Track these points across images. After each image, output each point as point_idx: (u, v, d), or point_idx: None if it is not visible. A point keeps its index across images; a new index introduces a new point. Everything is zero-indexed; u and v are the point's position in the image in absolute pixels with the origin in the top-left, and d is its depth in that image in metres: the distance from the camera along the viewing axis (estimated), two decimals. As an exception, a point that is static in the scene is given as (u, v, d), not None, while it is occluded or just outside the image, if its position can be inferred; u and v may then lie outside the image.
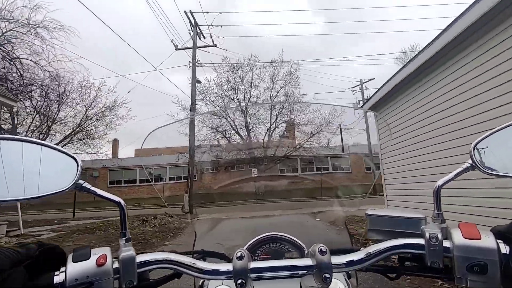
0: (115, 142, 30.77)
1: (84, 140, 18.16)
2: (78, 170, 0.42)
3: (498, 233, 0.40)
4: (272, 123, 17.00)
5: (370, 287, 1.81)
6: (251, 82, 16.08)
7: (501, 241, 0.39)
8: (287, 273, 0.41)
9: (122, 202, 0.44)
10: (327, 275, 0.38)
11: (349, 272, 0.49)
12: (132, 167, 20.48)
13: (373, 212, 0.50)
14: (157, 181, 21.23)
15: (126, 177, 21.31)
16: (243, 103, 16.38)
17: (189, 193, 10.58)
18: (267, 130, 16.43)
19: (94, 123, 18.32)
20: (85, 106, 17.44)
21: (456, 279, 0.40)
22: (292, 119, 16.83)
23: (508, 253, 0.38)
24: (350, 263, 0.41)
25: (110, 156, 25.95)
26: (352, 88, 22.14)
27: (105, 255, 0.38)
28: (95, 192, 0.44)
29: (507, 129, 0.46)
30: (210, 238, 0.85)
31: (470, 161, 0.47)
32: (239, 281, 0.39)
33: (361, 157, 21.46)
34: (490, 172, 0.46)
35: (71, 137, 17.36)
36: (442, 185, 0.46)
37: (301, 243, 0.67)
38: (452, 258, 0.40)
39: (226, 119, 15.75)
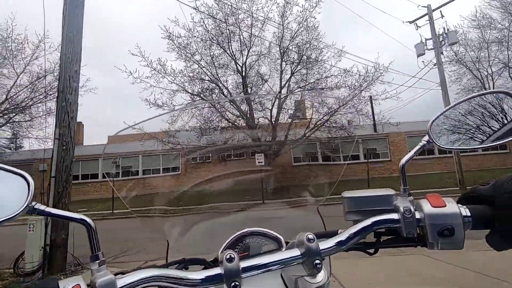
0: (78, 126, 29.03)
1: (18, 120, 16.39)
2: (30, 191, 0.44)
3: (460, 199, 0.58)
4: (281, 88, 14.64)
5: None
6: (251, 26, 13.50)
7: (461, 206, 0.52)
8: (278, 267, 0.48)
9: (89, 220, 0.47)
10: (317, 261, 0.47)
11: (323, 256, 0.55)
12: (92, 157, 18.72)
13: (348, 194, 0.61)
14: (126, 175, 19.41)
15: (85, 171, 19.57)
16: (240, 61, 14.00)
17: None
18: (275, 98, 14.19)
19: (33, 96, 16.43)
20: (14, 68, 15.45)
21: (429, 244, 0.52)
22: (309, 84, 14.54)
23: (468, 215, 0.51)
24: (338, 245, 0.51)
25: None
26: (414, 21, 14.83)
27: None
28: (52, 213, 0.45)
29: (460, 105, 0.61)
30: (183, 244, 0.90)
31: (426, 138, 0.59)
32: (233, 284, 0.44)
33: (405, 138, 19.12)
34: (444, 146, 0.60)
35: None
36: (406, 162, 0.58)
37: (277, 234, 0.77)
38: (424, 226, 0.52)
39: (217, 84, 13.45)
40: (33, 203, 0.44)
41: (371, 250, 0.59)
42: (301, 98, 15.05)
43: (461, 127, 0.61)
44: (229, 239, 0.76)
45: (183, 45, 13.75)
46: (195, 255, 0.69)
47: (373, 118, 16.80)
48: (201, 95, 13.77)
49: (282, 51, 14.18)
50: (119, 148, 19.25)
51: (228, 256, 0.45)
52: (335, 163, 18.62)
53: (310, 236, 0.49)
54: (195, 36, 13.50)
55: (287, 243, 0.75)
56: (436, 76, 12.31)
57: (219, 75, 14.10)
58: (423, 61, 12.81)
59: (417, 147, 0.59)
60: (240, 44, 13.82)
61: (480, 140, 0.60)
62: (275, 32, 14.14)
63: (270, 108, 14.66)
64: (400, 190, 0.58)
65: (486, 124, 0.59)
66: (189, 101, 13.75)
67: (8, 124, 17.01)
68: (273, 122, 14.55)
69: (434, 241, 0.51)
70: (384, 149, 19.96)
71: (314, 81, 14.47)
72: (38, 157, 19.33)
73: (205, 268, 0.56)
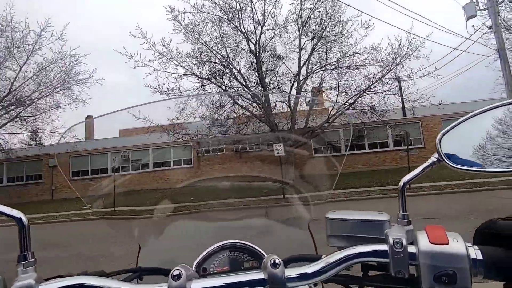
0: (88, 119, 29.01)
1: (23, 117, 16.14)
2: None
3: (474, 237, 0.46)
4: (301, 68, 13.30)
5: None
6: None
7: (471, 246, 0.42)
8: None
9: (23, 217, 0.45)
10: None
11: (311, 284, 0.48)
12: (101, 150, 18.33)
13: (333, 215, 0.54)
14: (135, 168, 18.89)
15: (95, 166, 19.27)
16: (252, 39, 12.75)
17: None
18: (294, 80, 12.89)
19: (38, 89, 16.11)
20: (16, 60, 15.04)
21: None
22: (332, 63, 13.13)
23: (479, 258, 0.40)
24: (304, 276, 0.43)
25: (83, 139, 24.29)
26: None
27: None
28: None
29: (473, 119, 0.52)
30: (159, 249, 0.85)
31: (436, 155, 0.52)
32: None
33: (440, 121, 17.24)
34: (457, 166, 0.51)
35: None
36: (407, 182, 0.50)
37: (261, 250, 0.70)
38: (417, 266, 0.42)
39: (227, 66, 12.30)
40: None
41: (355, 286, 0.51)
42: (322, 80, 13.75)
43: (478, 144, 0.52)
44: (207, 250, 0.70)
45: (190, 26, 12.74)
46: (167, 264, 0.65)
47: (402, 100, 15.15)
48: (212, 80, 12.72)
49: (301, 24, 12.80)
50: (131, 141, 18.78)
51: (176, 273, 0.41)
52: (350, 153, 17.42)
53: (277, 261, 0.43)
54: (203, 12, 12.36)
55: None
56: (482, 49, 10.48)
57: (230, 57, 12.96)
58: (473, 26, 11.00)
59: (425, 164, 0.51)
60: (253, 19, 12.57)
61: (502, 161, 0.50)
62: (292, 3, 12.73)
63: (288, 91, 13.42)
64: (397, 216, 0.50)
65: (509, 141, 0.50)
66: (198, 86, 12.76)
67: (14, 119, 16.78)
68: (292, 108, 13.36)
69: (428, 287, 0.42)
70: (417, 135, 18.25)
71: (338, 60, 13.01)
72: (46, 153, 19.25)
73: (158, 282, 0.54)
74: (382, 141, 18.29)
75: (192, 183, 1.31)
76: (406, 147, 17.80)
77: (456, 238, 0.42)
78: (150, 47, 11.92)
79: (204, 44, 12.70)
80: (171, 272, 0.41)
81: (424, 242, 0.42)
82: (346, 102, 13.32)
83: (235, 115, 13.23)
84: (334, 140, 18.13)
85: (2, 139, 17.23)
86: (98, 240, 6.19)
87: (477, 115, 0.52)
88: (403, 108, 17.86)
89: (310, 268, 0.44)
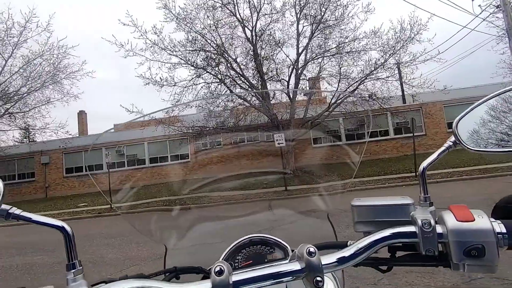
0: (81, 115, 28.28)
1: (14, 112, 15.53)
2: (0, 194, 0.43)
3: (493, 212, 0.49)
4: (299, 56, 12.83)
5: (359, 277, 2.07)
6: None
7: (494, 220, 0.45)
8: (274, 281, 0.44)
9: (67, 226, 0.47)
10: (318, 278, 0.42)
11: None
12: (95, 146, 17.83)
13: (359, 202, 0.56)
14: (131, 164, 18.45)
15: (89, 162, 18.76)
16: (248, 25, 12.21)
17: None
18: (292, 68, 12.44)
19: (26, 84, 15.47)
20: (0, 54, 14.34)
21: (453, 265, 0.45)
22: (331, 50, 12.68)
23: (503, 231, 0.44)
24: (341, 261, 0.46)
25: (77, 134, 23.69)
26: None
27: None
28: (29, 218, 0.45)
29: (489, 101, 0.54)
30: (184, 247, 0.87)
31: (452, 139, 0.54)
32: None
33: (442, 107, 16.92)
34: (474, 148, 0.54)
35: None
36: (427, 166, 0.53)
37: (284, 243, 0.73)
38: (447, 243, 0.46)
39: (222, 55, 11.79)
40: (5, 207, 0.43)
41: (384, 267, 0.54)
42: (321, 67, 13.30)
43: (494, 126, 0.55)
44: (230, 246, 0.72)
45: (182, 15, 12.14)
46: (194, 262, 0.67)
47: (401, 86, 14.77)
48: (207, 69, 12.20)
49: (299, 9, 12.25)
50: (125, 135, 18.27)
51: (217, 269, 0.42)
52: (358, 141, 17.19)
53: (312, 249, 0.45)
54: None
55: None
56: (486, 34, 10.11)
57: (226, 45, 12.42)
58: (479, 5, 10.55)
59: (442, 148, 0.54)
60: (249, 4, 11.98)
61: None
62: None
63: (286, 80, 12.97)
64: (419, 199, 0.54)
65: None
66: (193, 77, 12.24)
67: (3, 117, 16.15)
68: (291, 96, 12.93)
69: (459, 262, 0.45)
70: (417, 122, 17.94)
71: (337, 45, 12.53)
72: (37, 150, 18.67)
73: (204, 278, 0.56)
74: (382, 129, 17.98)
75: (207, 182, 1.30)
76: (407, 135, 17.62)
77: (480, 215, 0.45)
78: (141, 35, 11.36)
79: (198, 32, 12.14)
80: (213, 268, 0.42)
81: (451, 221, 0.45)
82: (347, 89, 12.92)
83: (232, 105, 12.82)
84: (334, 129, 17.82)
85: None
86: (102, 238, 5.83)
87: (490, 98, 0.54)
88: (403, 95, 17.51)
89: (343, 253, 0.46)
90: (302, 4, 11.96)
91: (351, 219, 0.57)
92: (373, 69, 11.98)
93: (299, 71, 12.67)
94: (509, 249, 0.45)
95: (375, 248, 0.47)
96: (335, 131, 18.00)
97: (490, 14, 10.08)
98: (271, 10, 12.05)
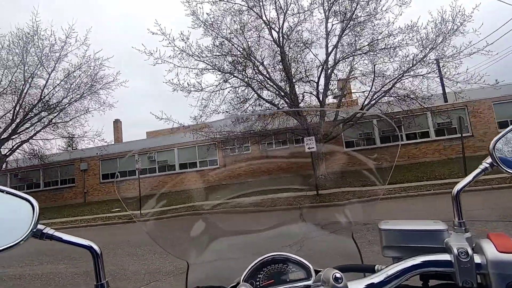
0: (116, 123, 29.83)
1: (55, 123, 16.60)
2: (35, 215, 0.44)
3: None
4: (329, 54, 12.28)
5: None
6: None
7: None
8: None
9: (95, 246, 0.48)
10: None
11: None
12: (127, 153, 18.50)
13: (387, 226, 0.53)
14: (162, 170, 18.89)
15: (123, 168, 19.52)
16: (275, 27, 11.93)
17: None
18: (322, 68, 11.94)
19: (67, 95, 16.49)
20: (45, 68, 15.41)
21: None
22: (363, 48, 11.97)
23: None
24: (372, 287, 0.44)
25: (112, 142, 24.97)
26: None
27: None
28: (61, 238, 0.47)
29: None
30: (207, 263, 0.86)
31: (489, 160, 0.52)
32: None
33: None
34: None
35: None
36: (461, 189, 0.50)
37: (306, 262, 0.70)
38: (486, 275, 0.42)
39: (249, 59, 11.63)
40: (40, 227, 0.44)
41: None
42: (352, 67, 12.62)
43: None
44: (252, 264, 0.69)
45: (210, 21, 12.21)
46: (216, 279, 0.67)
47: (441, 83, 13.54)
48: (234, 73, 12.09)
49: (327, 7, 11.74)
50: (157, 142, 18.80)
51: None
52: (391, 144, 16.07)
53: (338, 275, 0.42)
54: (221, 0, 11.74)
55: (317, 271, 0.64)
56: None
57: (252, 48, 12.26)
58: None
59: (477, 170, 0.51)
60: (275, 5, 11.73)
61: None
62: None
63: (316, 81, 12.46)
64: (453, 224, 0.50)
65: None
66: (220, 81, 12.20)
67: (46, 126, 17.33)
68: (321, 99, 12.40)
69: None
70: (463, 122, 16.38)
71: (370, 43, 11.81)
72: (77, 157, 19.78)
73: None
74: (423, 131, 16.67)
75: (233, 191, 1.28)
76: (450, 136, 16.15)
77: None
78: (170, 43, 11.55)
79: (224, 37, 12.12)
80: None
81: (491, 251, 0.42)
82: (381, 89, 12.11)
83: (260, 110, 12.57)
84: (368, 132, 16.85)
85: (37, 145, 17.90)
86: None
87: None
88: (444, 92, 16.10)
89: (373, 279, 0.43)
90: (331, 1, 11.47)
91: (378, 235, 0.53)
92: (411, 65, 11.08)
93: (329, 72, 12.11)
94: None
95: (406, 276, 0.45)
96: (369, 133, 17.05)
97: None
98: (298, 9, 11.68)
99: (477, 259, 0.43)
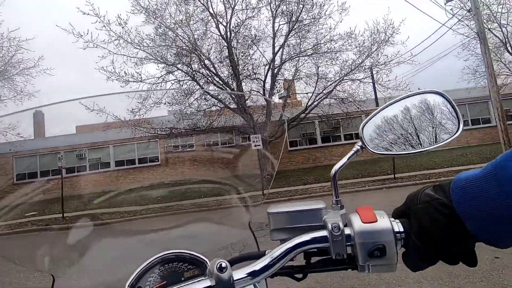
0: (37, 115, 25.89)
1: None
2: None
3: (394, 212, 0.50)
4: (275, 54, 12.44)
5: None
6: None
7: (394, 220, 0.46)
8: None
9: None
10: None
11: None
12: (52, 150, 16.30)
13: (274, 209, 0.54)
14: (94, 168, 17.05)
15: (46, 167, 17.06)
16: (223, 21, 11.63)
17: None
18: (268, 68, 12.04)
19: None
20: None
21: (359, 267, 0.45)
22: (308, 50, 12.46)
23: (400, 230, 0.45)
24: (253, 274, 0.45)
25: (32, 136, 21.70)
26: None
27: None
28: None
29: (391, 107, 0.58)
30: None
31: (360, 143, 0.56)
32: None
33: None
34: (377, 152, 0.57)
35: None
36: (338, 169, 0.53)
37: (202, 257, 0.68)
38: (353, 246, 0.45)
39: (196, 52, 11.13)
40: None
41: (300, 275, 0.52)
42: (297, 68, 13.03)
43: (394, 131, 0.58)
44: (140, 268, 0.64)
45: (152, 7, 11.28)
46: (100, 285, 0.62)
47: (374, 89, 14.96)
48: (178, 66, 11.40)
49: (275, 6, 11.86)
50: (88, 138, 16.82)
51: None
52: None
53: (223, 264, 0.44)
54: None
55: None
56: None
57: (198, 42, 11.72)
58: (451, 9, 10.76)
59: (350, 152, 0.56)
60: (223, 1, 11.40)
61: (415, 144, 0.56)
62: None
63: (262, 79, 12.52)
64: (331, 203, 0.53)
65: (419, 126, 0.56)
66: (163, 73, 11.38)
67: None
68: (267, 97, 12.49)
69: (364, 264, 0.44)
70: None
71: (314, 46, 12.31)
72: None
73: None
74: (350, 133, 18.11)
75: (122, 191, 1.25)
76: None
77: (382, 215, 0.46)
78: (104, 26, 10.33)
79: (168, 27, 11.33)
80: None
81: (357, 223, 0.45)
82: (323, 91, 12.74)
83: (205, 107, 12.12)
84: (310, 132, 17.66)
85: None
86: None
87: (393, 103, 0.58)
88: (376, 97, 17.73)
89: (256, 266, 0.45)
90: (278, 1, 11.60)
91: None
92: (350, 70, 11.88)
93: (275, 71, 12.28)
94: (403, 247, 0.45)
95: (289, 256, 0.46)
96: (311, 133, 17.88)
97: (459, 20, 10.38)
98: (247, 5, 11.56)
99: (347, 232, 0.45)
